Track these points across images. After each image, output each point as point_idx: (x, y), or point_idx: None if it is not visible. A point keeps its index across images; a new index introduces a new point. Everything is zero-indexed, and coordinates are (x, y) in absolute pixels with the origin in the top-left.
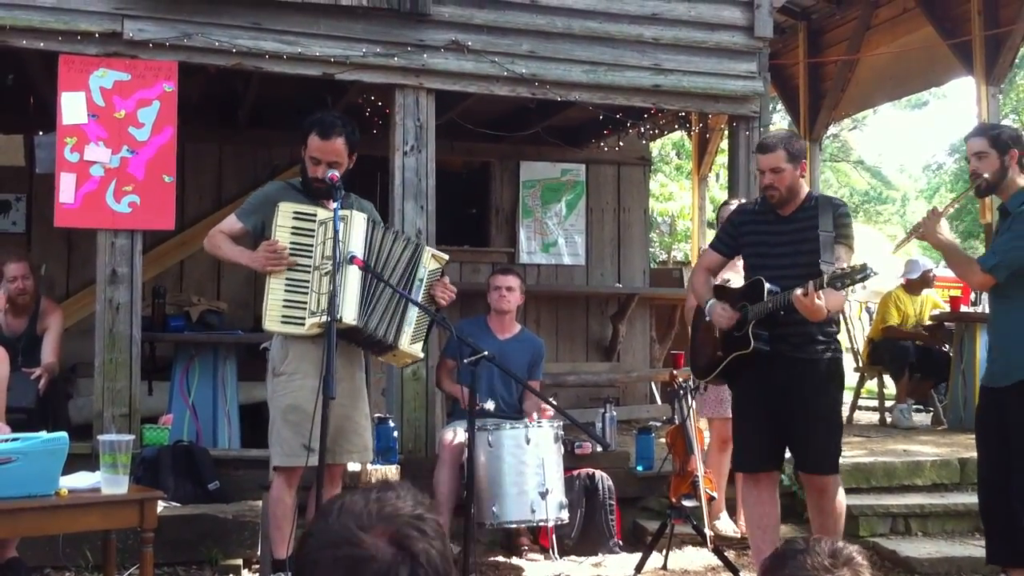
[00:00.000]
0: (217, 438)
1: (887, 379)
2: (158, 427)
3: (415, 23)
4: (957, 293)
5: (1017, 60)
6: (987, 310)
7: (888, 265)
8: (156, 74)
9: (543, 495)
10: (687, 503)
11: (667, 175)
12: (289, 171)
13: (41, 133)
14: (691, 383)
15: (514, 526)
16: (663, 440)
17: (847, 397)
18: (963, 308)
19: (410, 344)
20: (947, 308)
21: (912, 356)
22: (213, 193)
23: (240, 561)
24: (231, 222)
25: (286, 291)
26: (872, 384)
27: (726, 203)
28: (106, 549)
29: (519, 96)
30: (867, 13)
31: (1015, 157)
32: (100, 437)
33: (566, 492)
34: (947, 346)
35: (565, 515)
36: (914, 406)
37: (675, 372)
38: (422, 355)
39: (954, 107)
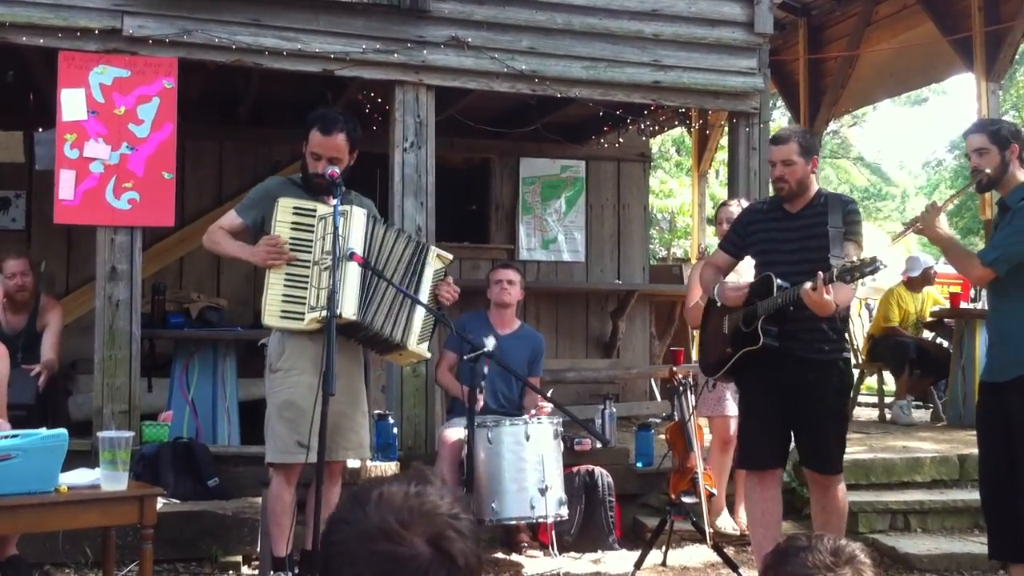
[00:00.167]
0: (217, 435)
1: (887, 375)
2: (158, 424)
3: (415, 19)
4: (957, 289)
5: (1017, 56)
6: (987, 306)
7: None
8: (156, 71)
9: (543, 491)
10: (687, 500)
11: (667, 171)
12: (290, 167)
13: (41, 130)
14: (690, 380)
15: (513, 523)
16: (663, 437)
17: None
18: (963, 304)
19: (417, 344)
20: (947, 304)
21: (912, 352)
22: (213, 190)
23: (240, 558)
24: (231, 218)
25: (285, 286)
26: (872, 380)
27: (725, 204)
28: (106, 546)
29: (519, 92)
30: (867, 9)
31: (1015, 152)
32: (100, 434)
33: (565, 488)
34: (946, 342)
35: (564, 512)
36: (914, 402)
37: (675, 369)
38: (428, 355)
39: (954, 104)
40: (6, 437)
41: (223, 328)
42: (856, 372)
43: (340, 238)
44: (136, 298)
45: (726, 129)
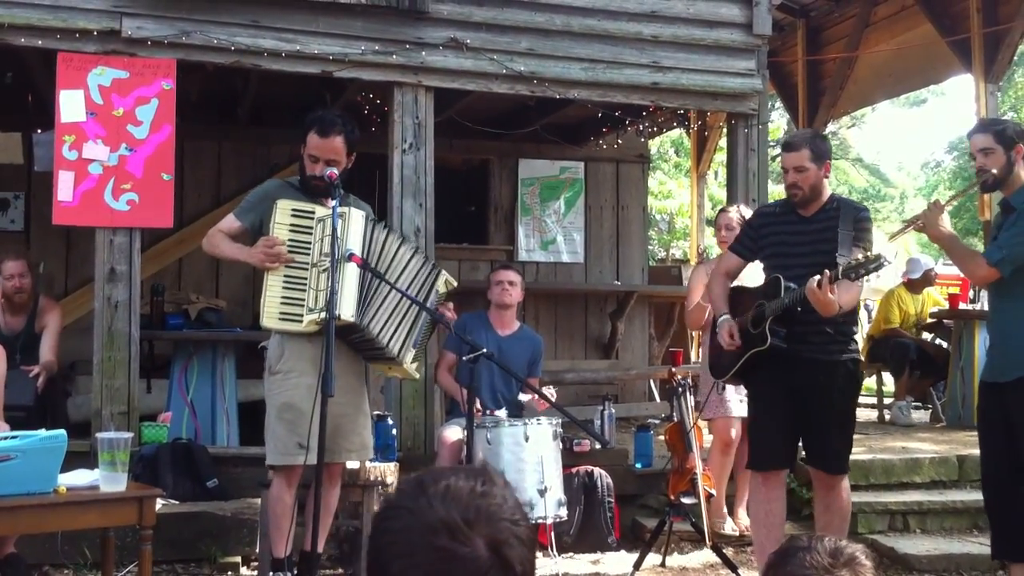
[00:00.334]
0: (216, 436)
1: (886, 376)
2: (157, 425)
3: (414, 21)
4: (956, 291)
5: (1016, 57)
6: (986, 307)
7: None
8: (155, 72)
9: (542, 492)
10: (686, 501)
11: (666, 173)
12: (288, 169)
13: (39, 131)
14: (689, 381)
15: None
16: (662, 438)
17: None
18: (962, 306)
19: (411, 362)
20: (946, 305)
21: (912, 353)
22: (212, 191)
23: (239, 559)
24: (229, 221)
25: (284, 288)
26: (871, 381)
27: (724, 210)
28: (105, 547)
29: (518, 94)
30: (866, 10)
31: (1021, 152)
32: (99, 435)
33: (565, 490)
34: (945, 343)
35: (564, 513)
36: (913, 403)
37: (674, 370)
38: (417, 376)
39: (953, 105)
40: (5, 438)
41: (222, 329)
42: None
43: (338, 239)
44: (135, 299)
45: (725, 130)
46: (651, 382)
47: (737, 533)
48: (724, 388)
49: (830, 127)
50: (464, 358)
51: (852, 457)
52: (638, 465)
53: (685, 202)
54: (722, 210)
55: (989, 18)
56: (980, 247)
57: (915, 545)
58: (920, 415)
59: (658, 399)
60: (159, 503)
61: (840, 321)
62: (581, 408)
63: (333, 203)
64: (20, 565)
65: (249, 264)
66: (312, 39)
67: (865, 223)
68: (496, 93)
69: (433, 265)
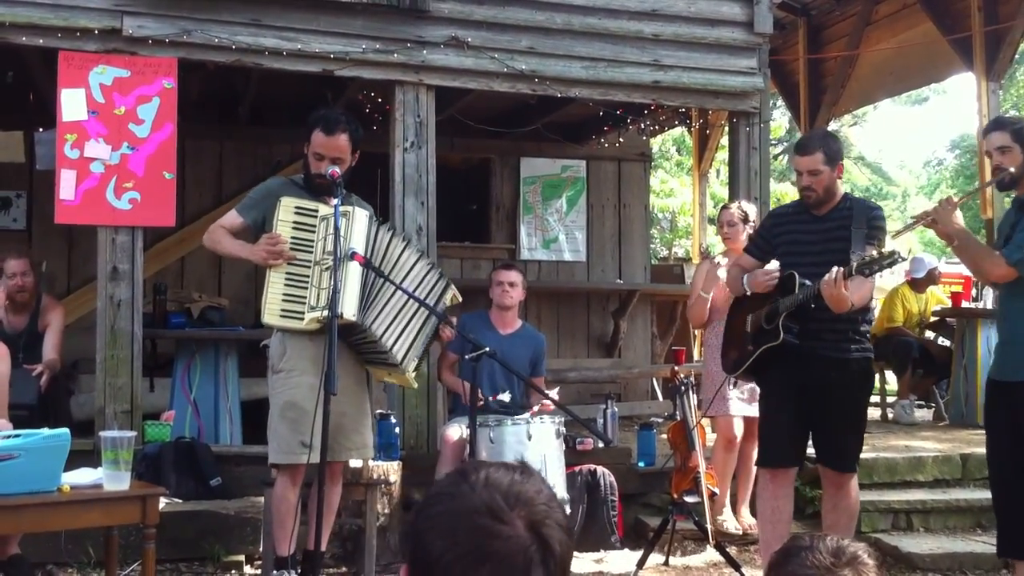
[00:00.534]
0: (219, 434)
1: (888, 375)
2: (160, 423)
3: (415, 19)
4: (959, 289)
5: (1017, 56)
6: (988, 306)
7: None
8: (156, 71)
9: None
10: (689, 499)
11: (667, 171)
12: (291, 167)
13: (41, 130)
14: (691, 379)
15: None
16: (664, 436)
17: None
18: (965, 304)
19: (412, 371)
20: (949, 304)
21: (915, 352)
22: (213, 189)
23: (242, 557)
24: (231, 217)
25: (286, 285)
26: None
27: (725, 206)
28: (108, 545)
29: (519, 92)
30: (867, 9)
31: None
32: (102, 433)
33: (568, 488)
34: (948, 341)
35: (567, 511)
36: (916, 402)
37: (676, 368)
38: (416, 385)
39: (954, 103)
40: (8, 437)
41: (224, 328)
42: None
43: (341, 238)
44: (137, 298)
45: (726, 129)
46: (654, 381)
47: (740, 531)
48: (735, 384)
49: (832, 125)
50: (466, 356)
51: None
52: (641, 464)
53: (687, 200)
54: (724, 207)
55: (990, 16)
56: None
57: (918, 544)
58: (923, 414)
59: (661, 398)
60: (162, 502)
61: (854, 319)
62: (584, 407)
63: (336, 201)
64: (23, 565)
65: (251, 262)
66: (313, 38)
67: (879, 222)
68: (497, 92)
69: (441, 274)
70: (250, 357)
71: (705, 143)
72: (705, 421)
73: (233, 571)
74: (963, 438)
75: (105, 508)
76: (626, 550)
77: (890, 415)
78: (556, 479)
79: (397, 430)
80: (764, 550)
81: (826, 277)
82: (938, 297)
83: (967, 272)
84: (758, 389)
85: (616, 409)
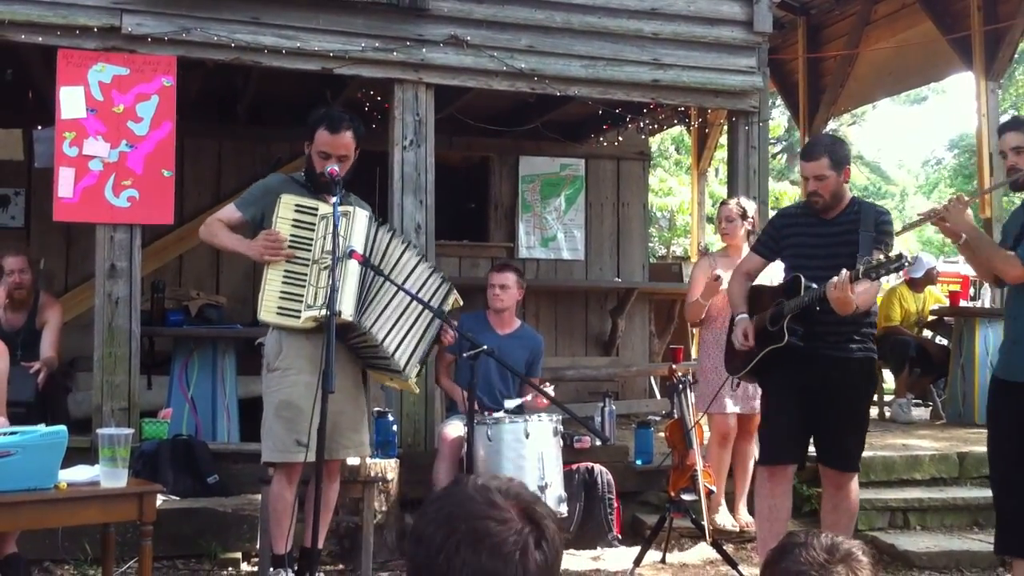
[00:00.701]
0: (216, 432)
1: (886, 373)
2: (157, 421)
3: (414, 18)
4: (956, 288)
5: (1016, 55)
6: (986, 305)
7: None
8: (155, 69)
9: (542, 489)
10: (686, 497)
11: (666, 170)
12: (290, 165)
13: (40, 127)
14: (689, 377)
15: None
16: (662, 434)
17: None
18: (963, 303)
19: (415, 377)
20: (947, 303)
21: (912, 351)
22: (212, 188)
23: (239, 554)
24: (229, 211)
25: (283, 283)
26: None
27: (724, 202)
28: (105, 543)
29: (518, 91)
30: (866, 8)
31: None
32: (99, 431)
33: (565, 486)
34: (946, 340)
35: (564, 509)
36: (913, 401)
37: (674, 366)
38: (418, 390)
39: (953, 103)
40: (6, 434)
41: (222, 326)
42: None
43: (341, 237)
44: (135, 295)
45: (725, 128)
46: (651, 379)
47: (737, 529)
48: (738, 384)
49: (831, 125)
50: (464, 355)
51: None
52: (638, 462)
53: (686, 199)
54: (722, 203)
55: (989, 16)
56: None
57: (915, 542)
58: (920, 412)
59: (658, 396)
60: (159, 499)
61: (858, 320)
62: (581, 405)
63: (335, 199)
64: (20, 564)
65: (249, 259)
66: (312, 36)
67: (886, 226)
68: (496, 90)
69: (444, 278)
70: (248, 355)
71: (704, 142)
72: (702, 419)
73: (230, 568)
74: (960, 437)
75: (102, 505)
76: (623, 548)
77: (887, 414)
78: (553, 477)
79: (395, 428)
80: (761, 548)
81: (833, 280)
82: (935, 296)
83: (964, 271)
84: (750, 388)
85: (614, 407)
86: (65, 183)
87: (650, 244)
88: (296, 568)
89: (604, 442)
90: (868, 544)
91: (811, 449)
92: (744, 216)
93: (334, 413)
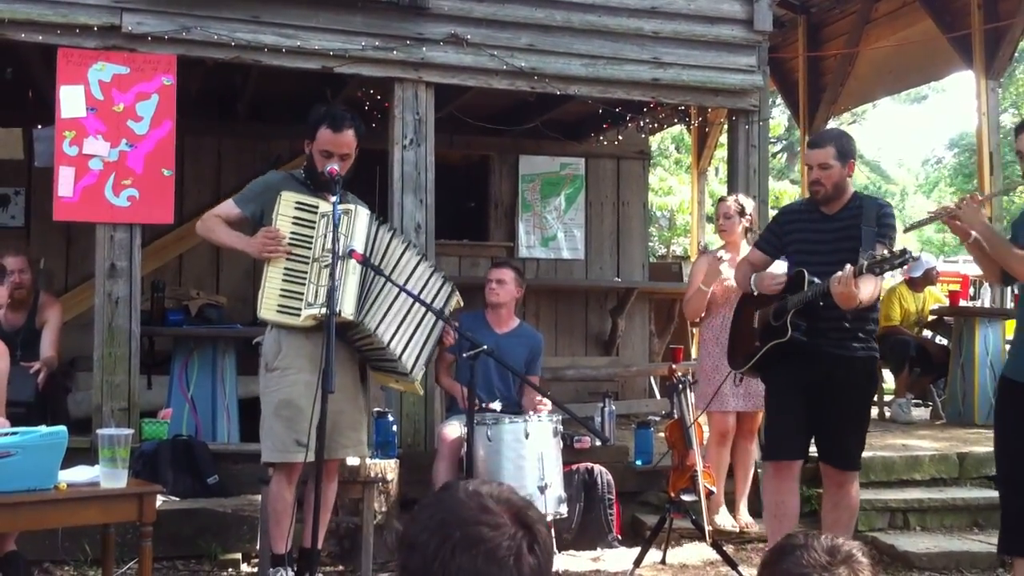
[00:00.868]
0: (216, 432)
1: (886, 373)
2: (157, 421)
3: (414, 16)
4: (956, 288)
5: (1017, 54)
6: (986, 305)
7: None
8: (155, 67)
9: (542, 489)
10: (686, 497)
11: (666, 169)
12: (290, 164)
13: (40, 126)
14: (689, 377)
15: None
16: (662, 434)
17: None
18: (963, 303)
19: (420, 379)
20: (947, 303)
21: (912, 351)
22: (212, 187)
23: (239, 555)
24: (228, 207)
25: (284, 281)
26: None
27: (723, 199)
28: (105, 543)
29: (518, 90)
30: (867, 7)
31: None
32: (99, 431)
33: (565, 486)
34: (946, 340)
35: (564, 509)
36: (913, 401)
37: (674, 366)
38: (422, 391)
39: (953, 101)
40: (5, 434)
41: (222, 325)
42: None
43: (342, 235)
44: (135, 295)
45: (725, 127)
46: (651, 379)
47: (737, 529)
48: (741, 380)
49: (831, 123)
50: (464, 354)
51: None
52: (638, 462)
53: (686, 198)
54: (721, 199)
55: (990, 14)
56: None
57: (915, 543)
58: (920, 412)
59: (658, 396)
60: (159, 499)
61: (863, 317)
62: (581, 405)
63: (334, 198)
64: (20, 562)
65: (249, 259)
66: (312, 35)
67: (888, 219)
68: (496, 89)
69: (445, 278)
70: (248, 355)
71: (704, 141)
72: (702, 418)
73: (230, 569)
74: (960, 437)
75: (102, 506)
76: (623, 548)
77: (887, 414)
78: (553, 477)
79: (394, 428)
80: (771, 544)
81: (837, 274)
82: (935, 296)
83: (964, 271)
84: (755, 385)
85: (614, 407)
86: (65, 182)
87: (650, 243)
88: (296, 568)
89: (604, 442)
90: (868, 545)
91: (812, 448)
92: (742, 213)
93: (334, 412)
